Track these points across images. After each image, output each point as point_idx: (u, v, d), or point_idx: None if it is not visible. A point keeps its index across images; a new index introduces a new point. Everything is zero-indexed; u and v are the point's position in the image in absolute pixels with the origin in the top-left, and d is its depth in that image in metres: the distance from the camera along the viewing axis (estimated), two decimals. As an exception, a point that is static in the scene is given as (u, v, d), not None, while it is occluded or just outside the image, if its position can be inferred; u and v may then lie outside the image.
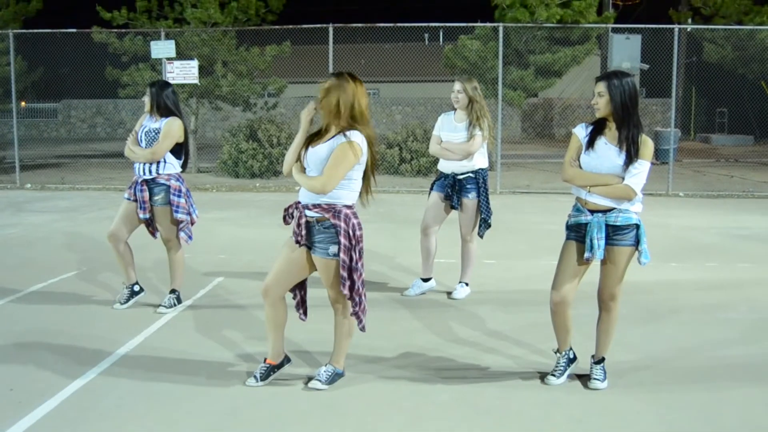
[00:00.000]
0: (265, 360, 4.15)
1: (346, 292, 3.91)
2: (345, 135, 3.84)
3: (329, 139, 3.89)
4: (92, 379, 4.18)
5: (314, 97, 3.96)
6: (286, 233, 4.21)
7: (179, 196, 5.43)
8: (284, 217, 4.06)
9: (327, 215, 3.86)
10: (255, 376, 4.11)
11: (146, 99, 5.49)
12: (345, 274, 3.88)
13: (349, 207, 3.92)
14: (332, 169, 3.79)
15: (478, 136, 5.70)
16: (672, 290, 6.25)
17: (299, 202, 3.97)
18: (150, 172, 5.40)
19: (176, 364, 4.42)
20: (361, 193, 4.02)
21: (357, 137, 3.85)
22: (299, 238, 3.95)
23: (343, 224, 3.86)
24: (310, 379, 4.14)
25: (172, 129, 5.39)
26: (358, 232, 3.92)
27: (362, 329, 4.11)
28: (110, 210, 10.61)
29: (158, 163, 5.39)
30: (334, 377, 4.11)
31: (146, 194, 5.42)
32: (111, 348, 4.67)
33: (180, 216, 5.44)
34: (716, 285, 6.44)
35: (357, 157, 3.85)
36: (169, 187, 5.41)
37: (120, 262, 5.57)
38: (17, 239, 8.53)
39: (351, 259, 3.89)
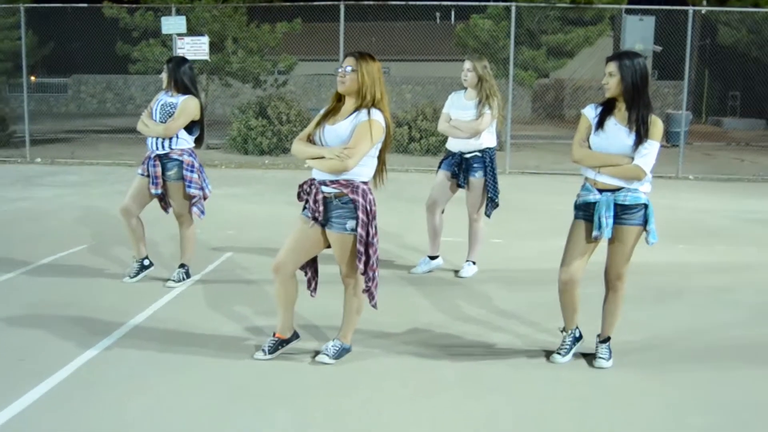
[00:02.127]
0: (274, 334, 4.19)
1: (361, 267, 3.93)
2: (369, 113, 3.84)
3: (348, 116, 3.88)
4: (102, 350, 4.23)
5: (339, 71, 3.91)
6: (294, 210, 4.24)
7: (192, 171, 5.45)
8: (299, 194, 4.07)
9: (345, 190, 3.87)
10: (263, 350, 4.16)
11: (164, 75, 5.49)
12: (362, 249, 3.90)
13: (365, 183, 3.94)
14: (356, 146, 3.80)
15: (486, 114, 5.69)
16: (679, 272, 6.26)
17: (314, 179, 3.97)
18: (163, 146, 5.42)
19: (185, 337, 4.47)
20: (374, 174, 4.02)
21: (378, 116, 3.86)
22: (317, 214, 3.93)
23: (361, 199, 3.87)
24: (317, 353, 4.18)
25: (188, 107, 5.40)
26: (374, 208, 3.95)
27: (374, 306, 4.14)
28: (120, 185, 10.66)
29: (171, 138, 5.41)
30: (342, 352, 4.15)
31: (159, 169, 5.44)
32: (120, 320, 4.72)
33: (193, 191, 5.47)
34: (724, 268, 6.44)
35: (379, 135, 3.86)
36: (182, 162, 5.43)
37: (131, 236, 5.61)
38: (27, 213, 8.59)
39: (368, 234, 3.92)
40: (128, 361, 4.08)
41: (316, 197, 3.92)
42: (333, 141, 3.88)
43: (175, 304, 5.14)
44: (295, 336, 4.26)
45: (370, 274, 3.98)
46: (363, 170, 3.91)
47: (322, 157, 3.85)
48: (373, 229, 3.96)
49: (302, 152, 3.96)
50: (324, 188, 3.91)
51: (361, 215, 3.88)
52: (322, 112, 4.05)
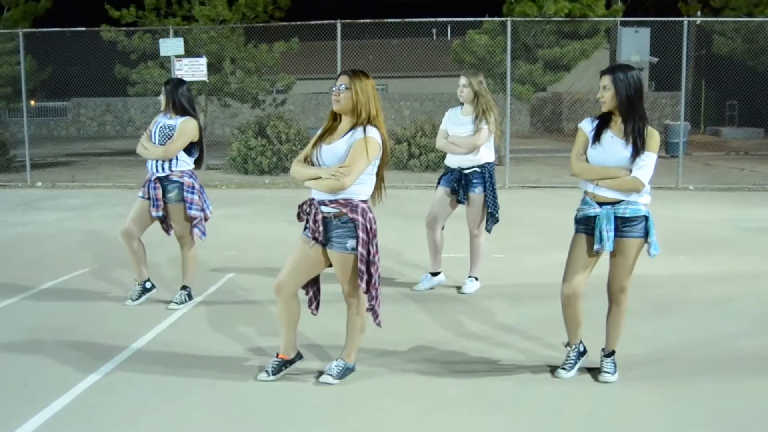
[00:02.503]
0: (277, 355, 4.18)
1: (363, 286, 3.93)
2: (365, 130, 3.84)
3: (344, 135, 3.89)
4: (105, 374, 4.22)
5: (333, 90, 3.93)
6: (295, 229, 4.24)
7: (192, 193, 5.46)
8: (298, 214, 4.07)
9: (344, 210, 3.88)
10: (267, 371, 4.14)
11: (162, 97, 5.52)
12: (363, 268, 3.90)
13: (364, 201, 3.94)
14: (352, 165, 3.80)
15: (484, 129, 5.70)
16: (681, 283, 6.25)
17: (313, 199, 3.98)
18: (163, 169, 5.43)
19: (188, 360, 4.46)
20: (373, 191, 4.02)
21: (374, 133, 3.86)
22: (317, 235, 3.93)
23: (360, 218, 3.87)
24: (321, 373, 4.16)
25: (186, 129, 5.42)
26: (374, 226, 3.95)
27: (378, 324, 4.13)
28: (120, 207, 10.67)
29: (171, 160, 5.42)
30: (345, 372, 4.14)
31: (159, 192, 5.45)
32: (123, 344, 4.71)
33: (194, 213, 5.48)
34: (726, 278, 6.43)
35: (375, 152, 3.87)
36: (182, 184, 5.44)
37: (132, 259, 5.61)
38: (29, 237, 8.59)
39: (369, 253, 3.92)
40: (132, 385, 4.07)
41: (315, 217, 3.93)
42: (330, 160, 3.88)
43: (177, 327, 5.13)
44: (299, 356, 4.25)
45: (373, 293, 3.98)
46: (361, 188, 3.91)
47: (320, 177, 3.86)
48: (374, 247, 3.96)
49: (300, 174, 3.97)
50: (323, 208, 3.91)
51: (361, 234, 3.88)
52: (319, 132, 4.06)
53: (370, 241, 3.93)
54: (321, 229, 3.92)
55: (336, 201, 3.88)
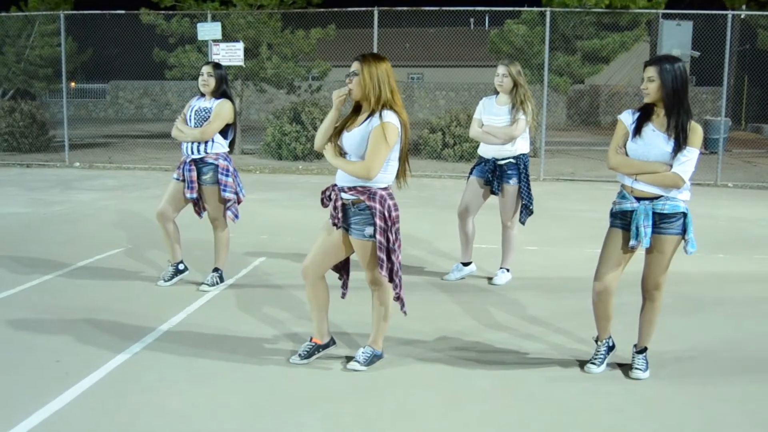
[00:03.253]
0: (311, 339, 4.20)
1: (385, 274, 3.91)
2: (380, 116, 3.81)
3: (362, 123, 3.87)
4: (136, 353, 4.26)
5: (347, 78, 3.90)
6: (327, 215, 4.24)
7: (227, 175, 5.50)
8: (322, 200, 4.08)
9: (362, 197, 3.86)
10: (299, 354, 4.16)
11: (209, 79, 5.50)
12: (383, 256, 3.87)
13: (384, 189, 3.91)
14: (373, 154, 3.77)
15: (521, 120, 5.63)
16: (718, 282, 6.13)
17: (335, 185, 3.98)
18: (198, 151, 5.47)
19: (217, 341, 4.49)
20: (397, 175, 4.00)
21: (391, 117, 3.81)
22: (336, 221, 3.95)
23: (378, 206, 3.85)
24: (349, 359, 4.16)
25: (222, 111, 5.44)
26: (393, 213, 3.91)
27: (405, 313, 4.12)
28: (156, 189, 10.79)
29: (206, 142, 5.45)
30: (373, 359, 4.13)
31: (194, 174, 5.49)
32: (154, 324, 4.76)
33: (227, 195, 5.51)
34: (763, 277, 6.29)
35: (394, 137, 3.82)
36: (217, 166, 5.48)
37: (167, 240, 5.67)
38: (66, 216, 8.73)
39: (388, 240, 3.89)
40: (161, 365, 4.11)
41: (335, 204, 3.94)
42: (350, 147, 3.88)
43: (208, 308, 5.17)
44: (332, 342, 4.26)
45: (396, 281, 3.97)
46: (381, 176, 3.88)
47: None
48: (393, 235, 3.92)
49: (330, 158, 3.98)
50: (343, 195, 3.92)
51: (378, 222, 3.85)
52: (343, 119, 4.05)
53: (389, 228, 3.89)
54: (340, 215, 3.93)
55: (355, 188, 3.87)
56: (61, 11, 15.26)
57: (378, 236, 3.86)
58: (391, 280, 3.95)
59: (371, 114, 3.84)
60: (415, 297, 5.54)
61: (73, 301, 5.25)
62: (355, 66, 3.87)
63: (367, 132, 3.82)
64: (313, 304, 4.13)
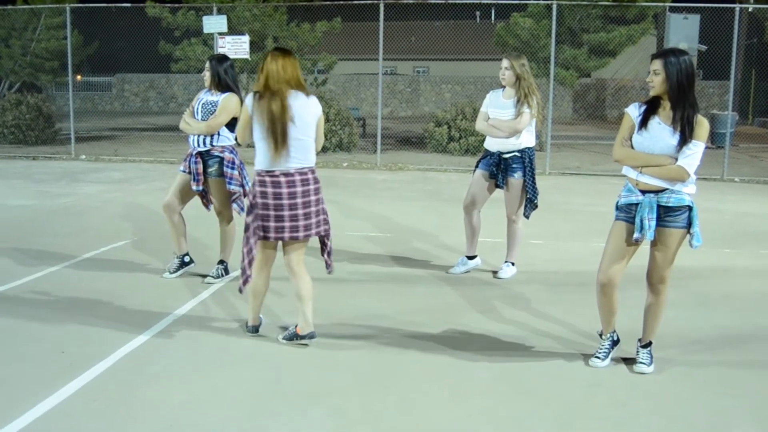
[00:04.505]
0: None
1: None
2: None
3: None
4: (141, 344, 4.28)
5: None
6: (331, 206, 4.24)
7: (233, 168, 5.50)
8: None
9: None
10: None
11: (206, 74, 5.52)
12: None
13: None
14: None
15: (526, 113, 5.61)
16: (724, 276, 6.11)
17: None
18: (204, 144, 5.47)
19: (222, 333, 4.50)
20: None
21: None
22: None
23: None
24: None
25: (229, 104, 5.44)
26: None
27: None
28: (161, 182, 10.81)
29: (212, 135, 5.46)
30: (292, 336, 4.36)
31: (200, 166, 5.50)
32: (159, 315, 4.78)
33: (233, 188, 5.52)
34: (770, 272, 6.27)
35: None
36: (222, 159, 5.48)
37: (173, 232, 5.68)
38: (72, 208, 8.75)
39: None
40: (166, 357, 4.12)
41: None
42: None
43: (213, 301, 5.19)
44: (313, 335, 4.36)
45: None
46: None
47: None
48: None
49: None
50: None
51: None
52: None
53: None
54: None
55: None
56: (67, 4, 15.25)
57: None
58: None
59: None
60: (419, 289, 5.54)
61: (79, 293, 5.27)
62: None
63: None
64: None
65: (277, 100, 4.08)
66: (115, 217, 8.21)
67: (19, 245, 6.67)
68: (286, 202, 4.12)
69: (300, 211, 4.15)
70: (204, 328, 4.60)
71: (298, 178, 4.14)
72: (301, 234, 4.19)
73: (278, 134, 4.06)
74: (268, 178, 4.13)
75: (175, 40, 16.60)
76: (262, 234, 4.19)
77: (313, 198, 4.19)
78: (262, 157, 4.13)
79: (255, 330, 4.46)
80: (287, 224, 4.15)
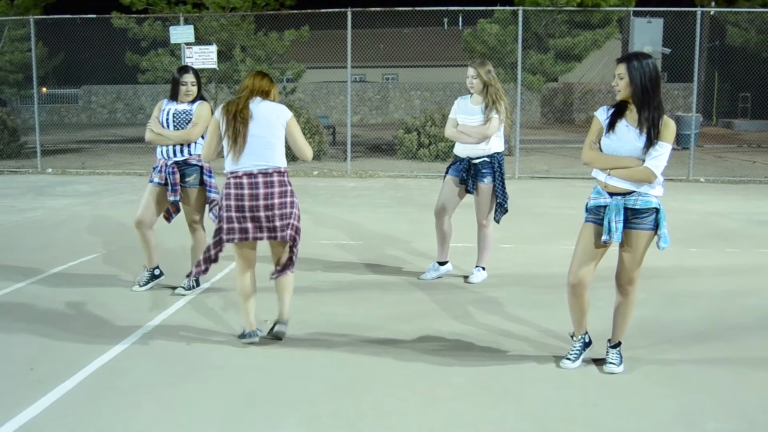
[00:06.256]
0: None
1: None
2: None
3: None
4: (111, 359, 4.23)
5: None
6: (302, 216, 4.23)
7: (211, 177, 5.52)
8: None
9: None
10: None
11: (190, 87, 5.46)
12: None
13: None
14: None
15: (494, 119, 5.66)
16: (691, 275, 6.20)
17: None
18: (182, 153, 5.45)
19: (194, 345, 4.47)
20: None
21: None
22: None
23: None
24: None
25: (203, 113, 5.45)
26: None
27: (203, 268, 4.46)
28: (130, 194, 10.70)
29: (189, 144, 5.44)
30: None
31: (177, 176, 5.46)
32: (130, 329, 4.72)
33: (213, 195, 5.54)
34: (736, 271, 6.38)
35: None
36: (201, 167, 5.48)
37: (144, 246, 5.62)
38: (39, 222, 8.63)
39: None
40: (137, 370, 4.08)
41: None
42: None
43: (184, 312, 5.14)
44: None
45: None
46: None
47: None
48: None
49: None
50: None
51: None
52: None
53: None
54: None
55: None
56: (30, 16, 15.07)
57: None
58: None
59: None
60: (391, 296, 5.55)
61: (48, 308, 5.20)
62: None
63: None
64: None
65: (237, 101, 4.27)
66: (83, 230, 8.11)
67: (-15, 261, 6.56)
68: (247, 203, 4.21)
69: (262, 213, 4.23)
70: (175, 339, 4.56)
71: (261, 179, 4.22)
72: (264, 235, 4.28)
73: (238, 131, 4.19)
74: (231, 180, 4.24)
75: (141, 50, 16.47)
76: (229, 237, 4.28)
77: (277, 201, 4.22)
78: (227, 158, 4.25)
79: (250, 336, 4.42)
80: (250, 225, 4.26)
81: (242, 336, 4.46)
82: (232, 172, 4.25)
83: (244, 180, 4.21)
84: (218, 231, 4.33)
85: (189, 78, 5.47)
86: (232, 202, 4.24)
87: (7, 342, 4.50)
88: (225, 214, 4.27)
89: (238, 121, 4.21)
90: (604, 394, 3.80)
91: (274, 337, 4.47)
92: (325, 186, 11.94)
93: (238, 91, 4.38)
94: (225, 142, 4.25)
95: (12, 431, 3.35)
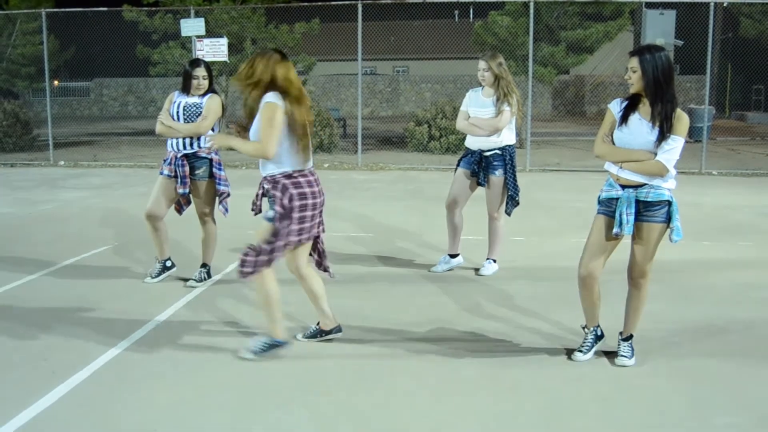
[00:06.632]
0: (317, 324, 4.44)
1: (246, 254, 3.99)
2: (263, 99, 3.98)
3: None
4: (124, 350, 4.26)
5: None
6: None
7: (220, 169, 5.53)
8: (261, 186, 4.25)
9: (268, 186, 4.07)
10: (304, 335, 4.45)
11: (201, 81, 5.47)
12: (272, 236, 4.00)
13: (287, 176, 4.02)
14: (263, 134, 3.94)
15: (506, 111, 5.65)
16: (704, 269, 6.18)
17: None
18: (191, 146, 5.47)
19: (206, 336, 4.49)
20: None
21: (271, 97, 3.95)
22: (254, 207, 4.27)
23: (279, 194, 4.00)
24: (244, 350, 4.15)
25: (213, 106, 5.46)
26: (296, 202, 3.99)
27: (242, 275, 4.01)
28: (142, 187, 10.75)
29: (199, 137, 5.45)
30: (270, 347, 4.13)
31: (187, 169, 5.48)
32: (142, 320, 4.75)
33: (222, 188, 5.54)
34: (749, 264, 6.35)
35: (272, 113, 3.91)
36: (210, 160, 5.49)
37: (155, 238, 5.64)
38: (52, 215, 8.68)
39: (281, 225, 3.98)
40: (150, 361, 4.10)
41: (258, 192, 4.25)
42: (252, 134, 4.07)
43: (195, 304, 5.17)
44: (337, 329, 4.44)
45: (263, 248, 3.97)
46: (281, 163, 4.02)
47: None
48: (288, 223, 3.97)
49: (225, 140, 4.33)
50: (264, 184, 4.15)
51: (277, 208, 3.99)
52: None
53: (287, 215, 3.98)
54: (259, 202, 4.24)
55: (265, 177, 4.09)
56: (42, 9, 15.13)
57: (276, 222, 3.97)
58: (246, 255, 3.98)
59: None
60: (403, 288, 5.56)
61: (60, 300, 5.23)
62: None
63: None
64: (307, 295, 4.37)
65: (299, 94, 4.07)
66: (96, 223, 8.16)
67: (-1, 253, 6.61)
68: (319, 200, 4.12)
69: (318, 210, 4.17)
70: (187, 331, 4.58)
71: (317, 176, 4.18)
72: (318, 230, 4.24)
73: (307, 132, 4.07)
74: (302, 179, 4.03)
75: (152, 43, 16.52)
76: (301, 237, 4.09)
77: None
78: (290, 156, 4.02)
79: (287, 344, 4.20)
80: (315, 223, 4.15)
81: (275, 345, 4.15)
82: (300, 171, 4.03)
83: (314, 177, 4.10)
84: (286, 233, 3.98)
85: (201, 72, 5.48)
86: (309, 201, 4.02)
87: (21, 333, 4.54)
88: (298, 215, 3.98)
89: (307, 123, 4.06)
90: (615, 388, 3.79)
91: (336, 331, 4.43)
92: (336, 179, 11.95)
93: (285, 78, 4.00)
94: (288, 138, 3.99)
95: (26, 421, 3.38)
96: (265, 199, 4.20)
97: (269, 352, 4.12)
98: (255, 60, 4.03)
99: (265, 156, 3.95)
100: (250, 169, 13.37)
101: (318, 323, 4.40)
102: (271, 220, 3.98)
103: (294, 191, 3.99)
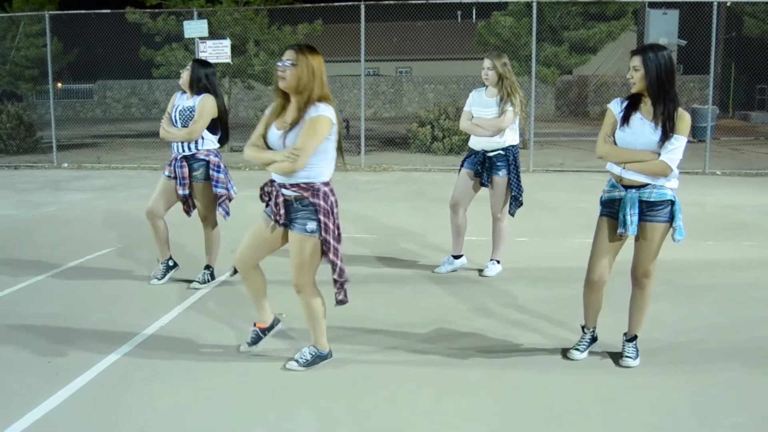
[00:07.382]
0: (254, 324, 4.25)
1: (331, 257, 3.85)
2: (316, 109, 3.70)
3: (298, 124, 3.72)
4: (128, 352, 4.26)
5: (280, 67, 3.74)
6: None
7: (218, 171, 5.51)
8: (260, 196, 3.99)
9: (305, 194, 3.76)
10: (246, 342, 4.24)
11: (184, 73, 5.50)
12: (330, 256, 3.83)
13: (326, 184, 3.83)
14: (303, 146, 3.64)
15: (509, 111, 5.64)
16: (708, 268, 6.16)
17: (274, 181, 3.88)
18: (189, 148, 5.47)
19: (210, 339, 4.49)
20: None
21: (326, 110, 3.71)
22: (278, 217, 3.86)
23: (322, 202, 3.77)
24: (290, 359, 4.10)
25: (205, 107, 5.43)
26: (336, 209, 3.87)
27: (340, 302, 3.94)
28: (145, 189, 10.76)
29: (196, 140, 5.45)
30: (316, 359, 4.04)
31: (186, 170, 5.49)
32: (145, 323, 4.75)
33: (219, 190, 5.52)
34: (753, 264, 6.33)
35: (326, 130, 3.71)
36: (208, 162, 5.49)
37: (155, 238, 5.65)
38: (55, 217, 8.70)
39: (331, 234, 3.83)
40: (153, 363, 4.10)
41: (277, 200, 3.85)
42: (279, 145, 3.76)
43: (199, 306, 5.17)
44: (276, 322, 4.28)
45: (337, 266, 3.87)
46: (322, 170, 3.79)
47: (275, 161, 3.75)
48: (335, 229, 3.86)
49: (254, 158, 3.85)
50: (284, 191, 3.82)
51: (322, 218, 3.78)
52: (268, 112, 3.94)
53: (334, 223, 3.84)
54: (282, 212, 3.85)
55: (297, 185, 3.77)
56: (46, 12, 15.17)
57: (323, 234, 3.80)
58: (334, 271, 3.88)
59: (305, 107, 3.72)
60: (406, 289, 5.56)
61: (64, 302, 5.24)
62: (290, 55, 3.72)
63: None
64: (250, 292, 4.16)
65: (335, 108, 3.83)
66: (99, 225, 8.17)
67: (2, 255, 6.62)
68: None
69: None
70: (190, 333, 4.58)
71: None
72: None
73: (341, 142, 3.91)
74: (328, 189, 3.86)
75: (156, 45, 16.54)
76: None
77: None
78: (328, 170, 3.84)
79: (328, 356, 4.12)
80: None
81: (321, 357, 4.08)
82: (327, 183, 3.86)
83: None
84: (338, 238, 3.87)
85: (188, 65, 5.53)
86: (337, 209, 3.91)
87: (25, 335, 4.55)
88: (336, 223, 3.86)
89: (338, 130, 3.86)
90: (619, 389, 3.78)
91: (276, 322, 4.34)
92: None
93: (321, 81, 3.76)
94: (332, 149, 3.81)
95: (30, 423, 3.38)
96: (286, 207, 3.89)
97: (316, 364, 4.05)
98: (307, 59, 3.71)
99: (296, 170, 3.70)
100: (253, 171, 13.38)
101: (254, 324, 4.22)
102: (313, 232, 3.80)
103: (333, 198, 3.84)
